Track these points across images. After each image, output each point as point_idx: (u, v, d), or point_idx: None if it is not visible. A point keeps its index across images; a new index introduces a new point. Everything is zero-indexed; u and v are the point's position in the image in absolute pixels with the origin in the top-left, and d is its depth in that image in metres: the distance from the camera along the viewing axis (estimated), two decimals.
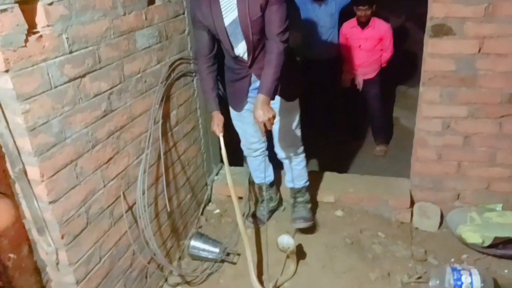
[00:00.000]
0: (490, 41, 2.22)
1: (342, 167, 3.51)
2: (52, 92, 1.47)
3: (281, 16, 1.94)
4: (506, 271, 2.29)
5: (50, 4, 1.43)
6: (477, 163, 2.51)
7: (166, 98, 2.25)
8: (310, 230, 2.59)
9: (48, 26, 1.43)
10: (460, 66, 2.30)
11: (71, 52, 1.54)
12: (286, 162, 2.54)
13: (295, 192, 2.60)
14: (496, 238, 2.30)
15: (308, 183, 2.61)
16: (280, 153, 2.49)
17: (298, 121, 2.40)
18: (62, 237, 1.58)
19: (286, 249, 2.20)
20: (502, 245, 2.34)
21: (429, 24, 2.28)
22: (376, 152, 4.18)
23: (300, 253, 2.39)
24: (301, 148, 2.50)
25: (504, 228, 2.35)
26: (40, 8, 1.41)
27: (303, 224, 2.50)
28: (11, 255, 1.53)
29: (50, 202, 1.51)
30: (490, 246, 2.32)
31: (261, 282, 2.21)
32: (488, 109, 2.37)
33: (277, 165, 2.69)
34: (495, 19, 2.17)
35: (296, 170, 2.54)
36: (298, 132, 2.44)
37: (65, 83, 1.53)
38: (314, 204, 2.75)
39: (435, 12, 2.24)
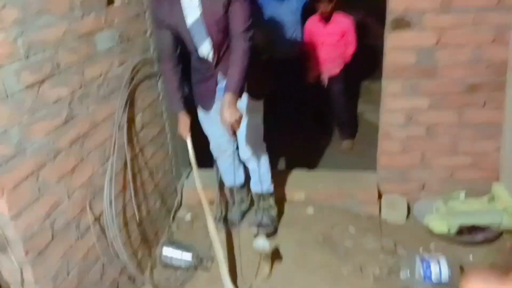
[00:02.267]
0: (448, 32, 2.30)
1: (310, 164, 3.52)
2: (8, 101, 1.39)
3: (244, 14, 1.93)
4: (471, 257, 2.36)
5: (3, 7, 1.35)
6: (440, 153, 2.60)
7: (130, 102, 2.18)
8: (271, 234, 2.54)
9: (1, 29, 1.35)
10: (420, 58, 2.37)
11: (27, 58, 1.46)
12: (250, 164, 2.49)
13: (258, 197, 2.57)
14: (461, 225, 2.38)
15: (271, 189, 2.57)
16: (244, 154, 2.43)
17: (261, 121, 2.37)
18: (26, 254, 1.49)
19: (262, 252, 2.19)
20: (467, 232, 2.42)
21: (388, 18, 2.33)
22: (343, 147, 4.24)
23: (276, 251, 2.38)
24: (264, 149, 2.46)
25: (468, 215, 2.44)
26: None
27: (260, 232, 2.46)
28: None
29: (12, 217, 1.42)
30: (456, 234, 2.40)
31: (235, 285, 2.18)
32: (448, 99, 2.45)
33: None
34: (452, 10, 2.25)
35: (257, 174, 2.49)
36: (261, 133, 2.41)
37: (22, 90, 1.45)
38: (284, 204, 2.74)
39: (394, 5, 2.29)
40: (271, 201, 2.59)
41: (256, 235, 2.45)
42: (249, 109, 2.25)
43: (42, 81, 1.54)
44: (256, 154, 2.43)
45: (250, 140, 2.36)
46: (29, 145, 1.49)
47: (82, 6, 1.76)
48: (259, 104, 2.33)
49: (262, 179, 2.50)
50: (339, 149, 4.21)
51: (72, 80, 1.71)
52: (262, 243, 2.17)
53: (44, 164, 1.57)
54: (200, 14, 1.95)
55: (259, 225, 2.51)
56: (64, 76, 1.66)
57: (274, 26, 3.95)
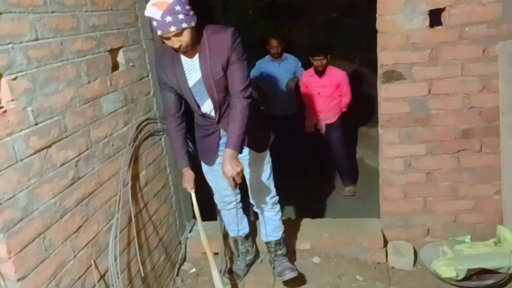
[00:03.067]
0: (438, 82, 2.39)
1: (314, 212, 3.53)
2: (18, 166, 1.46)
3: (242, 74, 2.02)
4: None
5: (14, 79, 1.45)
6: (442, 198, 2.61)
7: (135, 159, 2.25)
8: (299, 280, 2.54)
9: (12, 100, 1.44)
10: (413, 107, 2.45)
11: (36, 124, 1.54)
12: (262, 215, 2.53)
13: (274, 245, 2.58)
14: (469, 270, 2.34)
15: (283, 234, 2.60)
16: (256, 205, 2.50)
17: (270, 172, 2.43)
18: None
19: None
20: (476, 276, 2.38)
21: (380, 71, 2.43)
22: (345, 193, 4.26)
23: None
24: (276, 199, 2.51)
25: (476, 259, 2.41)
26: (4, 84, 1.42)
27: (292, 274, 2.44)
28: None
29: (19, 280, 1.45)
30: (464, 279, 2.36)
31: None
32: (445, 146, 2.50)
33: (253, 216, 2.68)
34: (439, 62, 2.35)
35: (274, 221, 2.54)
36: (271, 183, 2.46)
37: (31, 155, 1.52)
38: (290, 253, 2.73)
39: (384, 59, 2.40)
40: (284, 247, 2.61)
41: (287, 281, 2.47)
42: (254, 161, 2.32)
43: (50, 145, 1.61)
44: (268, 205, 2.48)
45: (260, 192, 2.43)
46: (36, 207, 1.54)
47: (88, 73, 1.86)
48: (265, 156, 2.38)
49: (277, 226, 2.55)
50: (342, 196, 4.23)
51: (78, 142, 1.79)
52: None
53: (51, 225, 1.61)
54: (201, 76, 2.05)
55: (287, 269, 2.48)
56: (71, 138, 1.74)
57: (272, 86, 4.15)
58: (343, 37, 5.88)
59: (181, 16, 1.82)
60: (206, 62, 2.01)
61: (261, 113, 2.49)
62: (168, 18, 1.81)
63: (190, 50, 1.98)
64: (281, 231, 2.58)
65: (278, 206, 2.54)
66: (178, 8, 1.81)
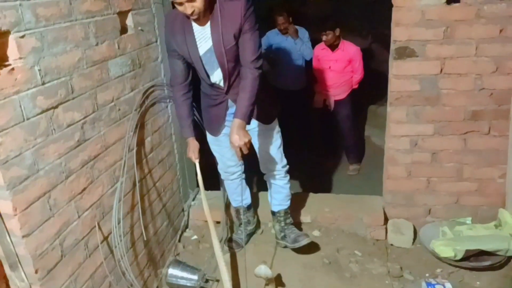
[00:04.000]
0: (451, 61, 2.35)
1: (317, 187, 3.55)
2: (24, 124, 1.46)
3: (254, 43, 2.00)
4: (478, 283, 2.35)
5: (22, 37, 1.44)
6: (446, 178, 2.61)
7: (141, 125, 2.26)
8: (313, 247, 2.61)
9: (20, 58, 1.44)
10: (424, 86, 2.41)
11: (43, 84, 1.54)
12: (274, 183, 2.55)
13: (284, 214, 2.61)
14: (467, 251, 2.37)
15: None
16: (268, 173, 2.53)
17: (280, 141, 2.43)
18: (36, 272, 1.54)
19: (265, 277, 2.20)
20: (474, 258, 2.41)
21: (392, 47, 2.39)
22: (350, 171, 4.27)
23: (279, 277, 2.38)
24: (287, 168, 2.53)
25: (474, 241, 2.43)
26: (12, 41, 1.41)
27: (306, 240, 2.49)
28: None
29: (24, 236, 1.48)
30: (462, 259, 2.39)
31: None
32: (452, 126, 2.48)
33: (257, 187, 2.70)
34: (454, 41, 2.30)
35: (285, 189, 2.56)
36: (280, 153, 2.46)
37: (37, 114, 1.52)
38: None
39: (398, 35, 2.35)
40: (291, 217, 2.65)
41: (300, 248, 2.52)
42: (263, 132, 2.34)
43: (56, 106, 1.62)
44: (278, 174, 2.51)
45: (270, 161, 2.44)
46: (42, 167, 1.55)
47: (96, 35, 1.85)
48: (273, 126, 2.39)
49: (288, 194, 2.58)
50: (346, 173, 4.24)
51: (85, 105, 1.79)
52: (264, 271, 2.18)
53: (56, 185, 1.63)
54: (212, 44, 2.02)
55: (301, 236, 2.53)
56: (78, 100, 1.74)
57: (279, 59, 4.07)
58: (357, 11, 5.75)
59: None
60: (218, 30, 1.98)
61: (268, 84, 2.48)
62: None
63: (202, 17, 1.95)
64: (289, 200, 2.61)
65: (288, 175, 2.56)
66: None
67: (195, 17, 1.92)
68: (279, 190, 2.56)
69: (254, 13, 1.97)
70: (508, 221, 2.45)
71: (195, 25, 2.03)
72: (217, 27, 1.98)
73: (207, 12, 1.95)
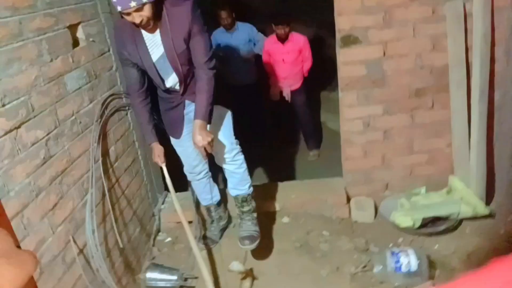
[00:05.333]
0: (392, 44, 2.51)
1: (282, 176, 3.67)
2: None
3: (205, 45, 2.04)
4: (437, 245, 2.55)
5: None
6: (399, 153, 2.79)
7: (103, 136, 2.27)
8: (258, 246, 2.49)
9: None
10: (370, 70, 2.57)
11: (3, 106, 1.54)
12: (226, 168, 2.44)
13: (241, 200, 2.50)
14: (424, 218, 2.56)
15: (251, 189, 2.53)
16: (217, 161, 2.44)
17: (228, 126, 2.36)
18: None
19: (238, 272, 2.29)
20: (431, 224, 2.60)
21: (338, 36, 2.53)
22: (310, 157, 4.42)
23: (251, 270, 2.46)
24: (236, 151, 2.40)
25: (429, 208, 2.63)
26: None
27: (250, 246, 2.42)
28: None
29: None
30: (420, 227, 2.57)
31: None
32: (400, 104, 2.65)
33: (223, 183, 2.73)
34: (393, 24, 2.47)
35: (238, 174, 2.44)
36: (230, 137, 2.37)
37: (1, 136, 1.52)
38: (261, 215, 2.85)
39: (342, 24, 2.49)
40: (253, 203, 2.54)
41: (241, 247, 2.44)
42: (213, 121, 2.22)
43: (19, 126, 1.62)
44: (231, 157, 2.39)
45: (221, 145, 2.34)
46: (11, 188, 1.56)
47: (50, 51, 1.85)
48: (222, 111, 2.32)
49: (242, 178, 2.46)
50: (307, 159, 4.38)
51: (47, 121, 1.80)
52: (237, 267, 2.27)
53: (28, 204, 1.64)
54: (164, 50, 2.05)
55: (247, 239, 2.43)
56: (39, 118, 1.75)
57: (228, 56, 4.12)
58: (299, 1, 5.87)
59: None
60: (168, 36, 2.01)
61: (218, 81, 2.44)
62: None
63: (151, 25, 1.97)
64: (247, 185, 2.49)
65: (240, 159, 2.43)
66: None
67: (144, 26, 1.95)
68: (231, 175, 2.46)
69: (200, 15, 2.01)
70: (457, 187, 2.66)
71: (145, 33, 2.05)
72: (167, 33, 2.01)
73: (155, 20, 1.98)
